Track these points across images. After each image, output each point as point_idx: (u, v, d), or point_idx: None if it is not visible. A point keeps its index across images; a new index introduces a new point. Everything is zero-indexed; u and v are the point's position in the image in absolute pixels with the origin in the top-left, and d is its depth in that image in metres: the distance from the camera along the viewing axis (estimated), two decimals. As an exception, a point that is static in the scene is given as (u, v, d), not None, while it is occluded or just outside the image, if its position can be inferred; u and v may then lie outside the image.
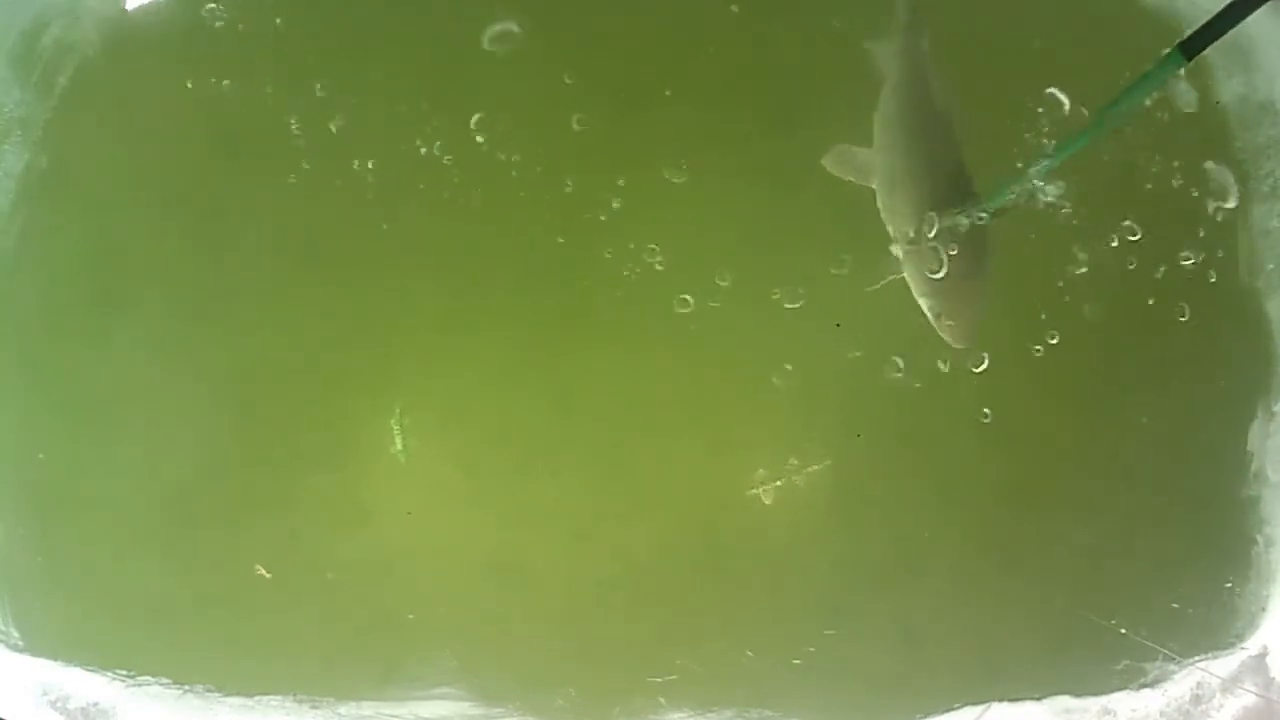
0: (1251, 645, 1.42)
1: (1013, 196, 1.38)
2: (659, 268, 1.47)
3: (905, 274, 1.42)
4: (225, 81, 1.52)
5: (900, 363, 1.46)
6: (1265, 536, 1.48)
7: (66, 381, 1.49)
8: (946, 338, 1.40)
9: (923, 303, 1.41)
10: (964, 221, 1.38)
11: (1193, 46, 1.10)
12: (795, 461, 1.44)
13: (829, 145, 1.46)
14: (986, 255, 1.41)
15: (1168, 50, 1.11)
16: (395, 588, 1.43)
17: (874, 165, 1.45)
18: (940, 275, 1.38)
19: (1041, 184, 1.37)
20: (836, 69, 1.55)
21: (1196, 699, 1.38)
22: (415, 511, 1.44)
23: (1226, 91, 1.55)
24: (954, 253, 1.38)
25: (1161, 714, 1.38)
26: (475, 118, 1.49)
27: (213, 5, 1.53)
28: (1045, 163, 1.35)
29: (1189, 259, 1.50)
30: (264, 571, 1.40)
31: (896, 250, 1.42)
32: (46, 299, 1.50)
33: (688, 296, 1.46)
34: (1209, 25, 1.08)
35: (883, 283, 1.40)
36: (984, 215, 1.38)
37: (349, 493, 1.44)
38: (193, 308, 1.49)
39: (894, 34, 1.46)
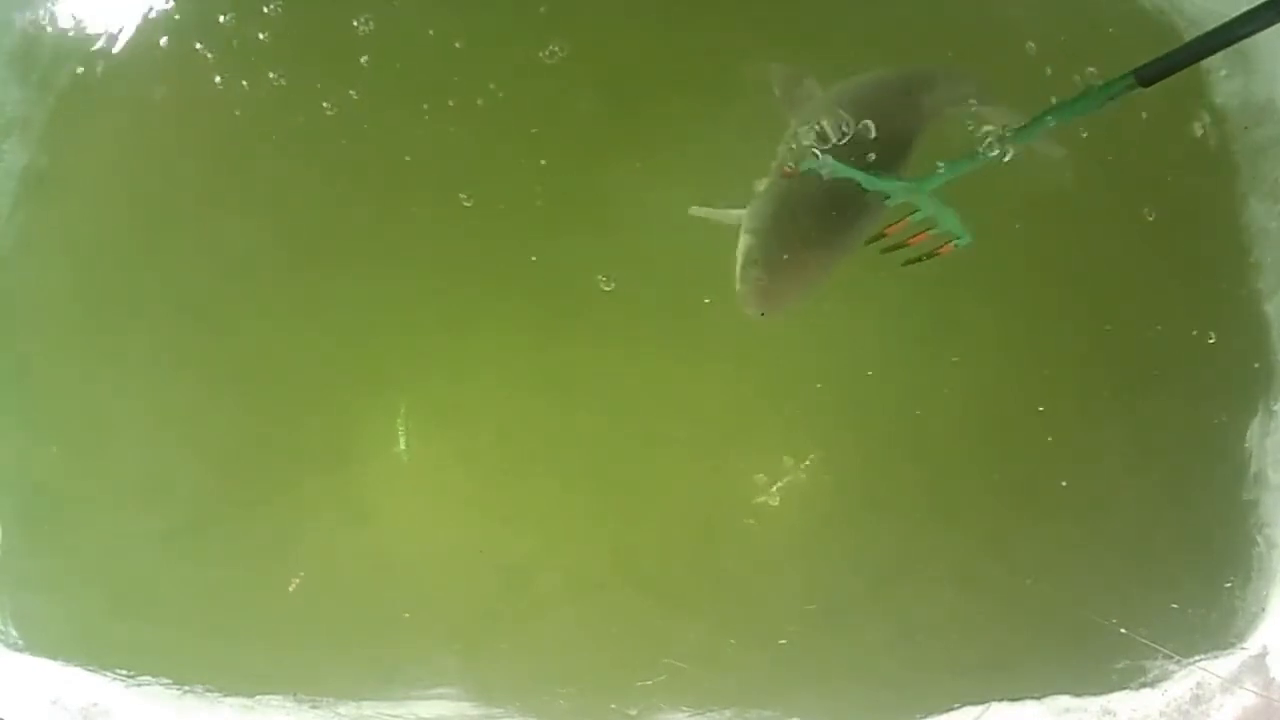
0: (1251, 645, 1.42)
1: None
2: (672, 268, 1.45)
3: (759, 193, 1.21)
4: (226, 79, 1.52)
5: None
6: (1265, 538, 1.48)
7: (67, 381, 1.49)
8: (742, 290, 1.19)
9: (746, 239, 1.18)
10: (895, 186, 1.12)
11: (1150, 74, 1.01)
12: (792, 461, 1.44)
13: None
14: (852, 243, 1.19)
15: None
16: (396, 587, 1.43)
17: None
18: (797, 221, 1.15)
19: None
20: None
21: (1196, 699, 1.38)
22: (416, 511, 1.45)
23: (1225, 92, 1.55)
24: (833, 213, 1.14)
25: (1161, 714, 1.38)
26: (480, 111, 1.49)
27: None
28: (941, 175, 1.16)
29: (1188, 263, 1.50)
30: (293, 586, 1.40)
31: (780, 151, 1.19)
32: (46, 299, 1.50)
33: (706, 299, 1.43)
34: (1172, 54, 1.00)
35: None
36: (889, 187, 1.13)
37: (352, 492, 1.44)
38: (194, 307, 1.48)
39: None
